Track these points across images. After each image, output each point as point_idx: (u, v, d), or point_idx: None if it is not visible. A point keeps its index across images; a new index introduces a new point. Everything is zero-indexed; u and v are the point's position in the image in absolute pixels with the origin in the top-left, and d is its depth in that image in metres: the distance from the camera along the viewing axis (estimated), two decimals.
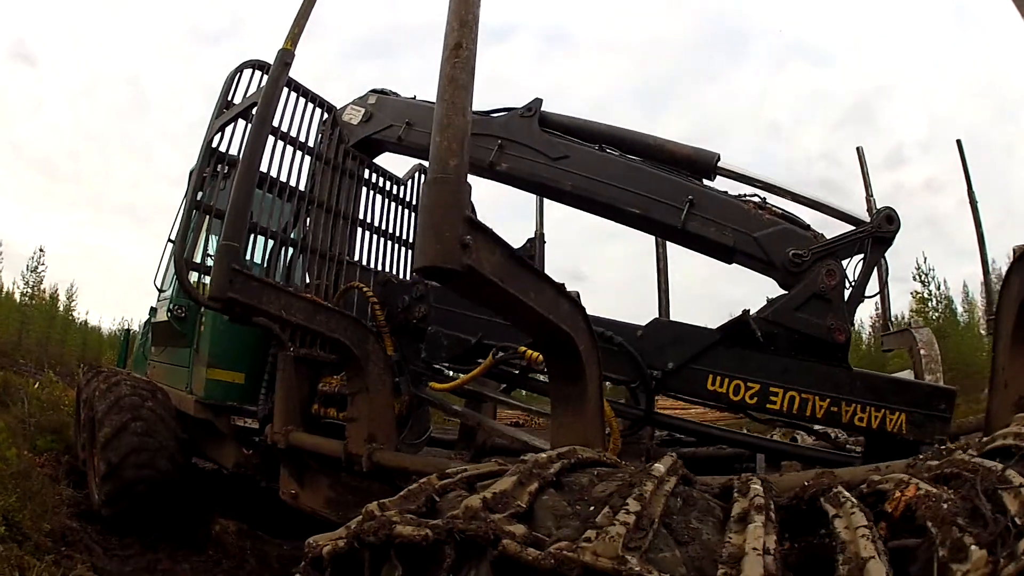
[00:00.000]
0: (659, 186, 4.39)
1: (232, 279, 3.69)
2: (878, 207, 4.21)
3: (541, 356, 3.91)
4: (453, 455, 6.21)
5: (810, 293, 3.90)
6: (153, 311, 8.15)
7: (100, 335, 55.55)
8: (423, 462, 4.42)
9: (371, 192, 6.64)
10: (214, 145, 5.13)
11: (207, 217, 5.21)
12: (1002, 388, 2.96)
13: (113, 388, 6.59)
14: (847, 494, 1.61)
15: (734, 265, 4.37)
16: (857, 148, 7.67)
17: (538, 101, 5.21)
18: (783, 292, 4.09)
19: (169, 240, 7.54)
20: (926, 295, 31.70)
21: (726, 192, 4.45)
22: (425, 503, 1.63)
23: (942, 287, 31.50)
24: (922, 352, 6.15)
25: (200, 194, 5.08)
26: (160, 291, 7.89)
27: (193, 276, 5.22)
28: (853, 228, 4.12)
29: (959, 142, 7.68)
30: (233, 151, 5.15)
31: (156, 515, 6.30)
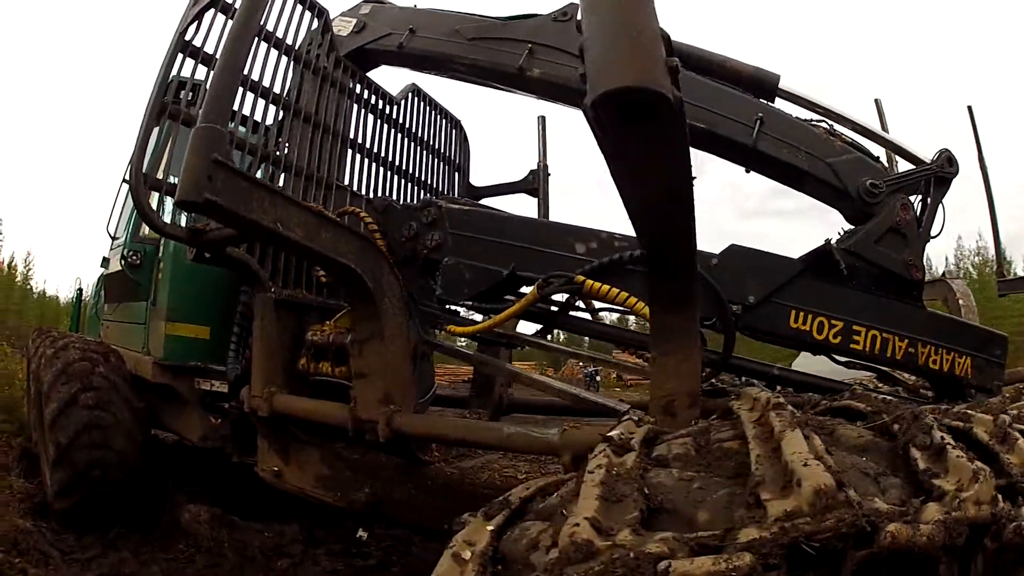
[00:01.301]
0: (727, 102, 3.78)
1: (213, 174, 2.47)
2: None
3: (604, 286, 3.31)
4: (467, 414, 5.30)
5: (887, 226, 3.58)
6: (105, 262, 6.60)
7: (58, 304, 51.25)
8: (464, 426, 3.29)
9: (363, 110, 5.39)
10: (187, 37, 4.01)
11: (174, 133, 4.00)
12: None
13: (60, 353, 5.28)
14: None
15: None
16: (875, 100, 6.68)
17: (574, 6, 4.25)
18: (851, 227, 3.74)
19: (124, 180, 6.25)
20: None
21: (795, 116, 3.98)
22: None
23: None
24: (960, 303, 5.70)
25: (167, 96, 3.94)
26: (113, 239, 6.41)
27: (153, 199, 4.00)
28: (913, 167, 3.87)
29: (970, 108, 7.02)
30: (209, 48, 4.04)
31: (116, 504, 5.04)
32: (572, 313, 3.96)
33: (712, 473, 1.37)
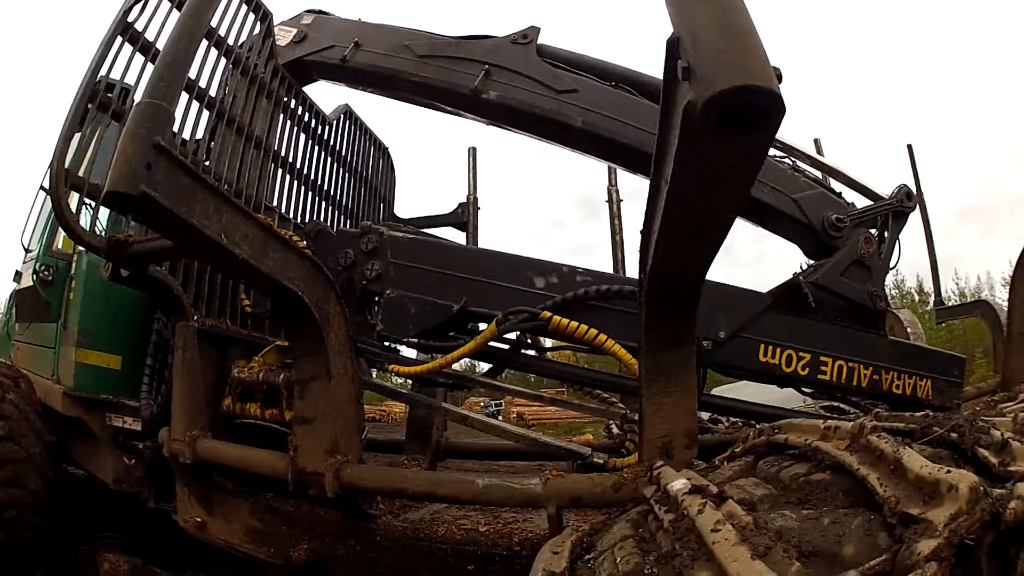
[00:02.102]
0: None
1: (153, 161, 1.93)
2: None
3: (572, 323, 3.13)
4: (405, 460, 4.80)
5: (851, 259, 3.61)
6: (18, 276, 5.92)
7: None
8: (428, 479, 2.87)
9: (295, 127, 4.82)
10: (130, 19, 3.49)
11: (101, 129, 3.52)
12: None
13: None
14: None
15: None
16: (814, 140, 6.68)
17: (534, 29, 4.01)
18: (811, 262, 3.77)
19: (41, 188, 5.65)
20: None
21: None
22: None
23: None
24: (908, 331, 5.77)
25: (99, 82, 3.42)
26: (27, 251, 5.51)
27: (73, 201, 3.39)
28: (872, 202, 3.92)
29: (910, 147, 7.05)
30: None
31: (34, 551, 4.31)
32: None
33: (828, 506, 1.32)
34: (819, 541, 1.20)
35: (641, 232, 2.15)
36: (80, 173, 3.49)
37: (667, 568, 1.25)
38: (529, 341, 3.68)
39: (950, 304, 8.12)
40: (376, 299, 3.64)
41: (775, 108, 1.18)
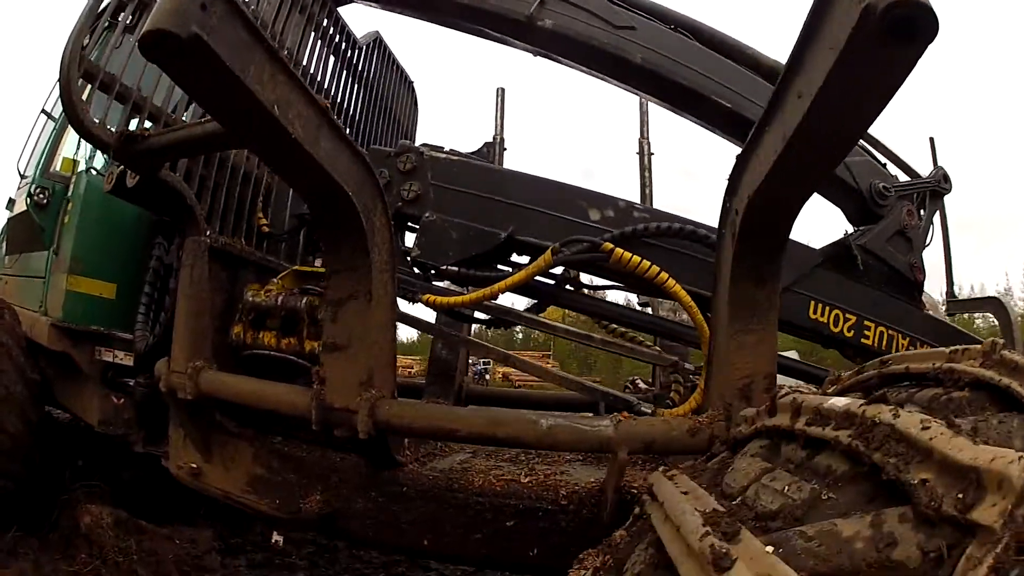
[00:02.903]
0: (750, 86, 3.41)
1: (209, 3, 1.52)
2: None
3: (635, 257, 2.80)
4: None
5: (895, 229, 3.50)
6: (11, 204, 5.20)
7: None
8: (484, 418, 2.35)
9: (326, 47, 4.31)
10: None
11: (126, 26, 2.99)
12: None
13: None
14: None
15: None
16: None
17: None
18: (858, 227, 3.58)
19: (43, 112, 5.15)
20: None
21: None
22: None
23: None
24: (930, 313, 5.72)
25: None
26: (22, 177, 4.93)
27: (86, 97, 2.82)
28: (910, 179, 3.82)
29: (932, 139, 6.80)
30: None
31: (13, 501, 3.85)
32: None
33: (982, 415, 1.12)
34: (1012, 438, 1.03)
35: (738, 158, 2.06)
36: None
37: (858, 487, 1.05)
38: (571, 277, 3.33)
39: (962, 298, 7.81)
40: (411, 223, 3.20)
41: (933, 25, 1.28)
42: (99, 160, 4.10)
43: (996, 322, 4.84)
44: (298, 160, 1.96)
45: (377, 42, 5.07)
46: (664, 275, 2.89)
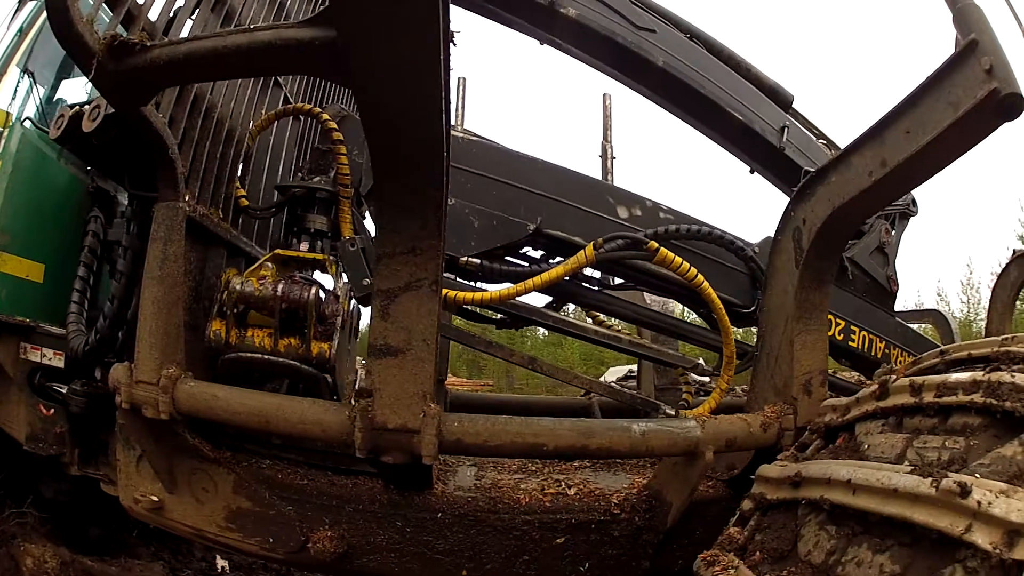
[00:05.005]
0: (758, 102, 3.38)
1: None
2: None
3: (676, 257, 2.61)
4: None
5: (876, 244, 3.61)
6: None
7: None
8: (573, 429, 1.99)
9: None
10: None
11: None
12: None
13: None
14: None
15: None
16: None
17: None
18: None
19: None
20: None
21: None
22: None
23: None
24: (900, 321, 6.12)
25: None
26: None
27: None
28: None
29: None
30: None
31: None
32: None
33: None
34: None
35: (815, 175, 2.23)
36: None
37: (988, 433, 1.29)
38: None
39: (904, 310, 8.26)
40: None
41: (1020, 112, 1.62)
42: (31, 108, 3.22)
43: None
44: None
45: None
46: (700, 277, 2.66)
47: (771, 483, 1.75)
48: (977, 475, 1.16)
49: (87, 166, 2.94)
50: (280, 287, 2.05)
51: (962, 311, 15.74)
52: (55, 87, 3.32)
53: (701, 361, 3.42)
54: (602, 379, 5.27)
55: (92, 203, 2.81)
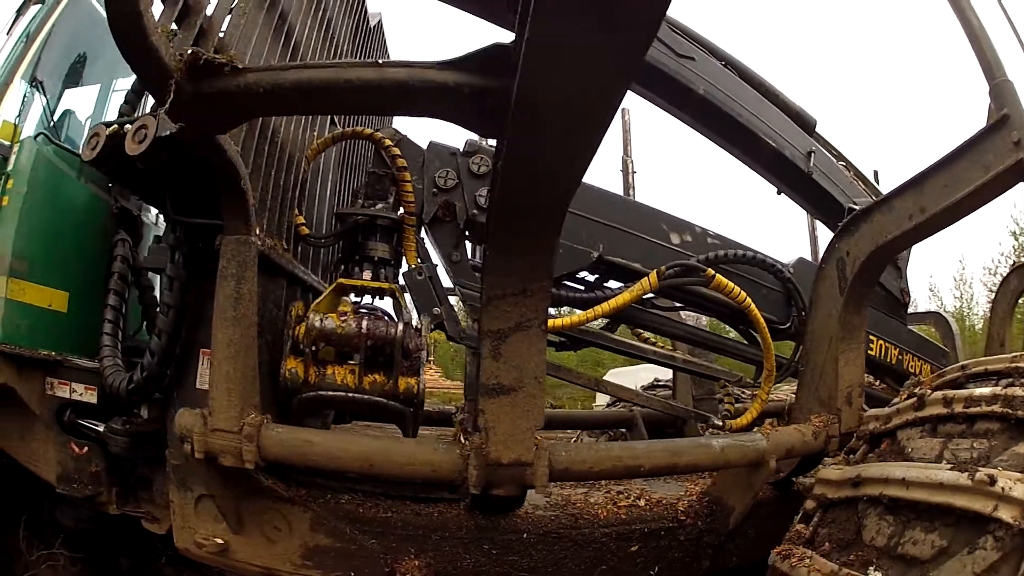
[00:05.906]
0: (787, 128, 3.49)
1: None
2: None
3: (730, 282, 2.77)
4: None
5: (891, 260, 3.49)
6: None
7: None
8: (665, 449, 2.18)
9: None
10: None
11: None
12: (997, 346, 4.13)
13: None
14: None
15: None
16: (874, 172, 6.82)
17: None
18: None
19: None
20: None
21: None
22: None
23: None
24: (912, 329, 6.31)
25: None
26: None
27: None
28: None
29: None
30: None
31: None
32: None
33: None
34: None
35: (859, 214, 2.56)
36: None
37: (1006, 435, 1.62)
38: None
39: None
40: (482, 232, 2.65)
41: None
42: (34, 120, 2.94)
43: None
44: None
45: (379, 26, 4.28)
46: (749, 300, 2.77)
47: (832, 484, 1.98)
48: (1000, 468, 1.47)
49: (109, 184, 2.71)
50: (365, 323, 1.97)
51: (955, 306, 16.73)
52: (59, 97, 3.04)
53: (740, 375, 3.60)
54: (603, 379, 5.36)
55: (117, 225, 2.59)
